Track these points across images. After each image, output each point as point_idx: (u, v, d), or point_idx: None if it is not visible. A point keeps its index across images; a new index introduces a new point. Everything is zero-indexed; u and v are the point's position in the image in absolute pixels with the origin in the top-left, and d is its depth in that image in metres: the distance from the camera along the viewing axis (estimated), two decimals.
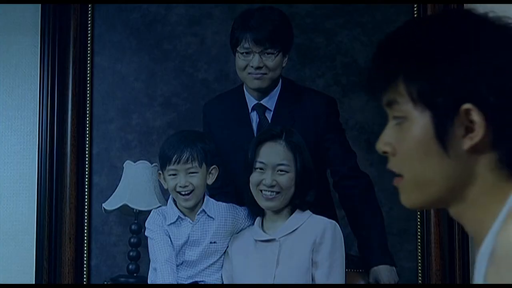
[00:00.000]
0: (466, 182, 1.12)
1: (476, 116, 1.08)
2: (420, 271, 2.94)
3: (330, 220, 2.31)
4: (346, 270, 2.33)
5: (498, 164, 1.11)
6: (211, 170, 2.38)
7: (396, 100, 1.13)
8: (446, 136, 1.09)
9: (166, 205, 2.44)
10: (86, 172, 2.97)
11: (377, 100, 1.18)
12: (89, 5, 3.00)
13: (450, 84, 1.08)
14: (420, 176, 1.12)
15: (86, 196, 2.95)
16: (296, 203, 2.32)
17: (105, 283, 2.79)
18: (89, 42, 3.00)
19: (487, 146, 1.11)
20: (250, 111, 2.52)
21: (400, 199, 1.19)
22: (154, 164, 2.70)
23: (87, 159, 2.97)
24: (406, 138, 1.13)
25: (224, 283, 2.36)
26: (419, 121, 1.11)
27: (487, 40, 1.10)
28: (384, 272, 2.39)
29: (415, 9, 2.79)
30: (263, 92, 2.50)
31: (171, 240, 2.35)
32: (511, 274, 0.94)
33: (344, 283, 2.30)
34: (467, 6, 2.53)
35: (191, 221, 2.37)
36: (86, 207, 2.95)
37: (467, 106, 1.08)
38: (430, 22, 1.14)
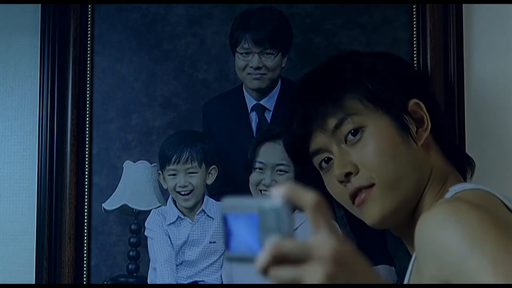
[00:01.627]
0: (426, 176, 1.14)
1: (423, 108, 1.14)
2: None
3: None
4: None
5: (444, 157, 1.15)
6: (211, 170, 2.38)
7: (350, 114, 1.17)
8: (407, 129, 1.14)
9: (166, 205, 2.44)
10: (86, 172, 2.96)
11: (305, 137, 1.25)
12: (89, 5, 3.00)
13: (397, 83, 1.17)
14: (393, 172, 1.15)
15: (86, 196, 2.95)
16: None
17: (105, 283, 2.79)
18: (89, 42, 2.99)
19: (432, 140, 1.16)
20: (249, 111, 2.53)
21: (368, 215, 1.20)
22: (154, 164, 2.70)
23: (87, 159, 2.96)
24: (369, 143, 1.16)
25: (224, 282, 2.36)
26: (380, 121, 1.15)
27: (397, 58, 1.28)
28: (383, 272, 2.40)
29: (414, 9, 2.79)
30: (262, 93, 2.50)
31: (170, 240, 2.35)
32: (424, 261, 0.95)
33: None
34: (466, 6, 2.53)
35: (190, 221, 2.37)
36: (86, 207, 2.95)
37: (415, 100, 1.14)
38: (348, 57, 1.29)
